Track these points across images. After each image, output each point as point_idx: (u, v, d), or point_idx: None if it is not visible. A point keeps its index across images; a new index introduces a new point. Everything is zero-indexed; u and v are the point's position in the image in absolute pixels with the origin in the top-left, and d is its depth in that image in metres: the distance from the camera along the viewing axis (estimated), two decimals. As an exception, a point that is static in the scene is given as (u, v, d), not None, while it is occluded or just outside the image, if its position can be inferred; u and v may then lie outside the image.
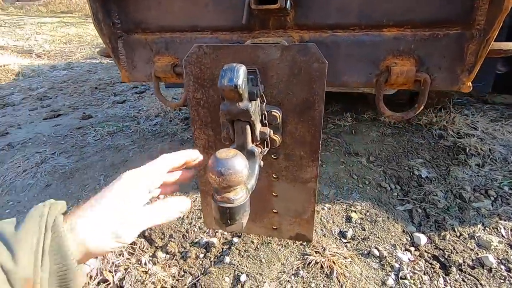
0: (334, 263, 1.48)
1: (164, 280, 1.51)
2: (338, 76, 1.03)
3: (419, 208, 1.86)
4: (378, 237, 1.66)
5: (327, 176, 2.21)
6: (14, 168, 2.35)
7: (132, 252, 1.65)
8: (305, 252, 1.57)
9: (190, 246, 1.71)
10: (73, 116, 3.71)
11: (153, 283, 1.48)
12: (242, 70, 0.59)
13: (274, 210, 0.84)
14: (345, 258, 1.54)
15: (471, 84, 0.95)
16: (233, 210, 0.55)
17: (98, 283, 1.49)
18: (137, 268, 1.55)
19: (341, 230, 1.73)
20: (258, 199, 0.84)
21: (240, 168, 0.54)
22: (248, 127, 0.68)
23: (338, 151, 2.53)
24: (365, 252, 1.58)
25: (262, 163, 0.71)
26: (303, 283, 1.42)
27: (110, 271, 1.54)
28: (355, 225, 1.75)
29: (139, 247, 1.70)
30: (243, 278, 1.46)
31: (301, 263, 1.52)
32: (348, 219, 1.80)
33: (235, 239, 1.72)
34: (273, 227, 0.86)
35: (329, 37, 1.02)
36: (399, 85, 1.01)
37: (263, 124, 0.72)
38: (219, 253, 1.64)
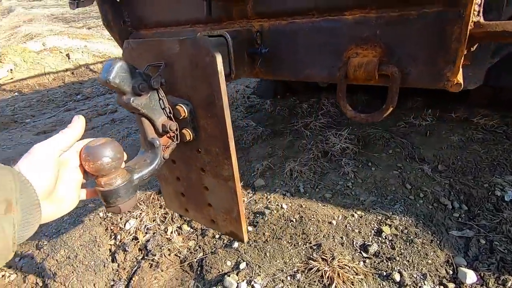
0: (339, 276, 1.32)
1: (179, 250, 1.68)
2: (300, 69, 0.88)
3: (484, 239, 1.43)
4: (408, 261, 1.38)
5: (372, 180, 1.93)
6: (108, 139, 3.01)
7: (163, 220, 1.89)
8: (311, 257, 1.46)
9: (210, 228, 1.83)
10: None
11: (169, 249, 1.67)
12: (117, 66, 0.60)
13: (209, 203, 0.82)
14: (357, 274, 1.35)
15: (460, 81, 0.65)
16: (104, 193, 0.59)
17: (132, 239, 1.78)
18: (162, 235, 1.77)
19: (365, 242, 1.51)
20: (195, 190, 0.84)
21: (102, 155, 0.57)
22: (143, 119, 0.69)
23: (398, 154, 2.16)
24: (384, 273, 1.34)
25: (167, 155, 0.71)
26: (297, 287, 1.33)
27: (142, 232, 1.82)
28: (383, 241, 1.50)
29: (171, 217, 1.93)
30: (242, 266, 1.48)
31: (303, 266, 1.42)
32: (378, 232, 1.55)
33: (250, 228, 1.74)
34: (212, 219, 0.84)
35: (288, 25, 0.87)
36: (362, 81, 0.78)
37: (169, 118, 0.71)
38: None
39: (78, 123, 0.61)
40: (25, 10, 15.42)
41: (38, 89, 5.78)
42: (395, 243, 1.47)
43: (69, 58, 7.01)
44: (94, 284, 1.55)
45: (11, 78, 6.09)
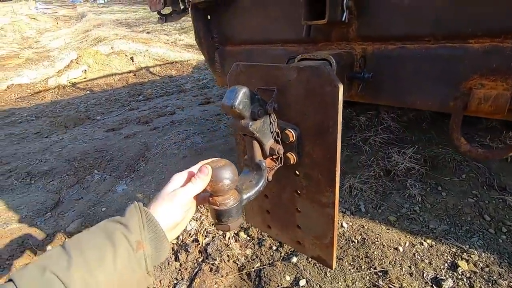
0: (409, 310, 1.25)
1: (237, 257, 1.72)
2: (402, 94, 0.83)
3: None
4: (491, 304, 1.25)
5: (442, 207, 1.79)
6: (169, 140, 3.20)
7: (222, 225, 1.95)
8: (376, 284, 1.39)
9: (268, 236, 1.84)
10: (218, 103, 4.54)
11: (228, 256, 1.72)
12: (241, 92, 0.63)
13: (298, 225, 0.82)
14: (429, 310, 1.26)
15: None
16: (219, 213, 0.63)
17: (193, 240, 1.87)
18: (221, 240, 1.83)
19: (437, 276, 1.40)
20: (285, 210, 0.84)
21: (223, 178, 0.60)
22: (254, 142, 0.71)
23: (473, 180, 1.97)
24: (462, 314, 1.23)
25: (270, 177, 0.72)
26: (362, 314, 1.28)
27: (202, 235, 1.90)
28: (459, 277, 1.37)
29: (229, 223, 1.98)
30: (302, 282, 1.47)
31: (368, 293, 1.36)
32: (453, 266, 1.43)
33: (308, 244, 1.72)
34: (298, 241, 0.84)
35: (396, 50, 0.82)
36: (485, 114, 0.70)
37: (276, 141, 0.72)
38: (290, 251, 1.69)
39: (208, 174, 0.66)
40: (95, 16, 17.21)
41: (106, 89, 6.39)
42: (474, 281, 1.34)
43: (132, 61, 7.64)
44: (160, 281, 1.65)
45: (85, 78, 6.82)
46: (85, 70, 6.90)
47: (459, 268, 1.41)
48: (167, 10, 1.45)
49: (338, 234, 1.71)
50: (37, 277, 0.48)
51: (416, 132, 2.67)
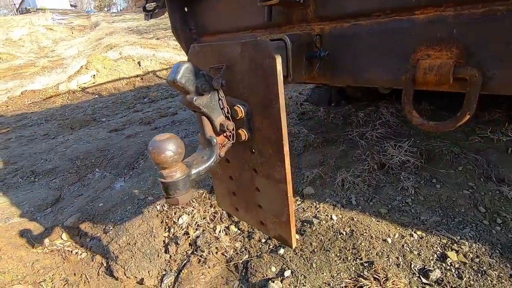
0: (392, 300, 1.22)
1: (226, 249, 1.72)
2: (361, 72, 0.81)
3: None
4: (479, 295, 1.20)
5: (435, 198, 1.74)
6: (168, 138, 3.26)
7: (213, 219, 1.96)
8: (362, 274, 1.37)
9: (258, 230, 1.84)
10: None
11: (216, 248, 1.72)
12: (184, 67, 0.64)
13: (259, 205, 0.81)
14: (414, 300, 1.22)
15: None
16: (165, 185, 0.64)
17: (183, 233, 1.88)
18: (211, 233, 1.84)
19: (425, 267, 1.36)
20: (246, 190, 0.85)
21: (165, 149, 0.62)
22: (204, 118, 0.72)
23: (470, 172, 1.91)
24: (448, 305, 1.19)
25: (222, 153, 0.73)
26: (344, 304, 1.26)
27: (193, 228, 1.91)
28: (448, 268, 1.33)
29: (220, 217, 1.99)
30: (287, 273, 1.46)
31: (352, 283, 1.34)
32: (442, 257, 1.39)
33: (297, 236, 1.70)
34: (261, 221, 0.84)
35: (351, 27, 0.81)
36: (432, 85, 0.68)
37: (226, 118, 0.72)
38: (278, 243, 1.68)
39: None
40: (108, 24, 17.75)
41: (113, 92, 6.56)
42: (462, 272, 1.30)
43: (140, 65, 7.83)
44: (148, 271, 1.68)
45: (93, 82, 7.03)
46: (94, 75, 7.11)
47: (448, 259, 1.36)
48: (152, 7, 1.49)
49: (327, 227, 1.69)
50: None
51: (414, 126, 2.62)
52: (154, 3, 1.43)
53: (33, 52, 14.48)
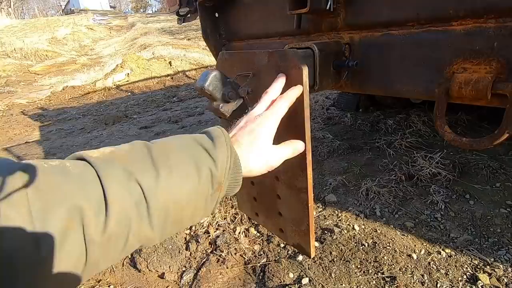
0: (415, 319, 1.16)
1: (245, 251, 1.73)
2: (390, 82, 0.77)
3: None
4: (513, 324, 1.12)
5: (468, 216, 1.64)
6: (194, 138, 3.35)
7: (233, 220, 1.99)
8: (383, 289, 1.32)
9: (277, 236, 1.83)
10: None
11: (235, 249, 1.75)
12: (212, 75, 0.65)
13: (280, 212, 0.81)
14: (438, 322, 1.16)
15: None
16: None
17: (204, 232, 1.92)
18: (230, 233, 1.87)
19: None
20: (267, 196, 0.85)
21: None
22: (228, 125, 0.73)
23: (509, 189, 1.78)
24: (476, 331, 1.12)
25: None
26: (363, 319, 1.22)
27: (213, 227, 1.95)
28: (478, 291, 1.25)
29: (240, 218, 2.01)
30: (304, 281, 1.44)
31: (372, 297, 1.30)
32: (472, 279, 1.30)
33: (316, 244, 1.68)
34: (280, 228, 0.83)
35: (382, 36, 0.78)
36: (468, 100, 0.63)
37: None
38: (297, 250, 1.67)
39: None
40: (143, 25, 18.60)
41: (145, 91, 6.85)
42: (495, 297, 1.21)
43: (170, 65, 8.10)
44: (169, 267, 1.73)
45: (127, 81, 7.39)
46: (128, 74, 7.47)
47: (479, 281, 1.28)
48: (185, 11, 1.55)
49: (348, 237, 1.65)
50: (123, 180, 0.42)
51: (449, 137, 2.48)
52: (187, 8, 1.49)
53: (75, 50, 15.52)
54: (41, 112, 5.96)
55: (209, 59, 9.00)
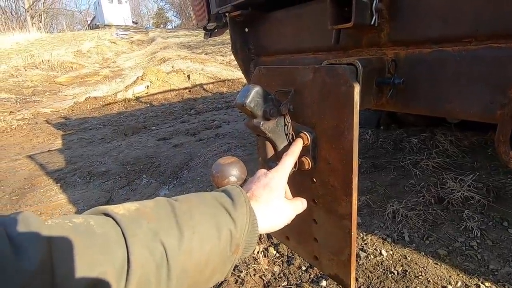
0: None
1: (264, 273, 1.66)
2: (440, 102, 0.72)
3: None
4: None
5: (508, 245, 1.52)
6: (211, 151, 3.33)
7: (252, 238, 1.92)
8: (417, 324, 1.21)
9: (298, 256, 1.75)
10: (262, 120, 4.62)
11: (254, 269, 1.67)
12: (254, 91, 0.62)
13: (315, 238, 0.75)
14: None
15: None
16: None
17: (222, 250, 1.87)
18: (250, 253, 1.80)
19: (497, 327, 1.16)
20: (302, 220, 0.79)
21: (229, 174, 0.60)
22: (267, 143, 0.69)
23: (552, 217, 1.64)
24: None
25: None
26: None
27: (231, 245, 1.89)
28: (527, 333, 1.12)
29: (260, 238, 1.95)
30: (329, 309, 1.35)
31: (405, 333, 1.19)
32: (518, 319, 1.18)
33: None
34: (315, 255, 0.77)
35: (432, 53, 0.73)
36: None
37: (290, 144, 0.69)
38: (320, 273, 1.58)
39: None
40: (162, 40, 19.28)
41: (163, 103, 7.00)
42: None
43: (189, 78, 8.28)
44: (186, 285, 1.68)
45: (147, 93, 7.58)
46: (148, 86, 7.67)
47: (527, 322, 1.15)
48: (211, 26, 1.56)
49: (375, 263, 1.55)
50: (148, 240, 0.43)
51: (479, 159, 2.36)
52: (215, 23, 1.50)
53: (98, 62, 16.20)
54: (64, 121, 6.17)
55: (226, 73, 9.15)
